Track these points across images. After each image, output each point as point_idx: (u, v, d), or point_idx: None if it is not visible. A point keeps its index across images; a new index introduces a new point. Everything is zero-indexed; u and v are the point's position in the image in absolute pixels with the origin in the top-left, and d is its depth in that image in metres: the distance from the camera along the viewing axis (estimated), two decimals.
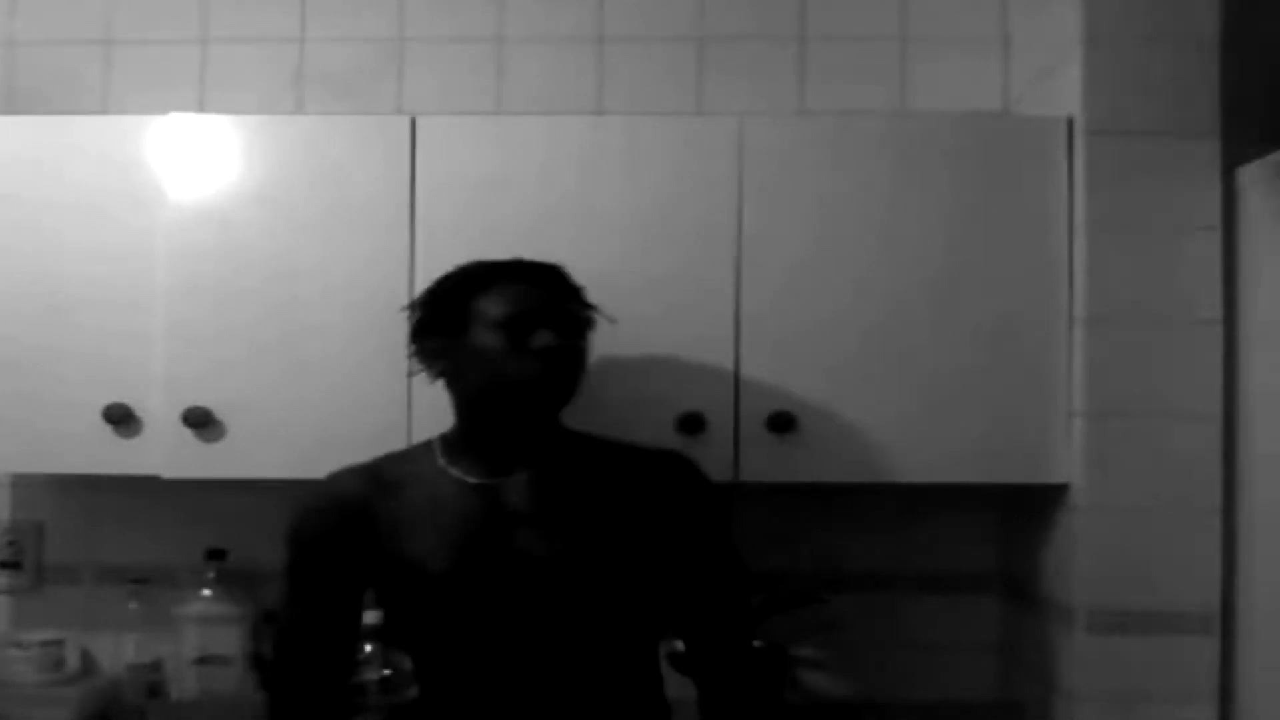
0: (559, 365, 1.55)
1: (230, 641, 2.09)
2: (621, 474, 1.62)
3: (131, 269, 1.91)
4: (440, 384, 1.64)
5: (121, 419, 1.90)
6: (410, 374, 1.69)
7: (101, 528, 2.25)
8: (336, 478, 1.63)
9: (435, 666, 1.61)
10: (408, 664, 1.99)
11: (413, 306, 1.67)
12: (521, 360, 1.53)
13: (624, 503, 1.60)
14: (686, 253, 1.90)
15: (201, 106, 2.26)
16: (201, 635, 2.09)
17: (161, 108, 2.01)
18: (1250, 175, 1.84)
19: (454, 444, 1.63)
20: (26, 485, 2.26)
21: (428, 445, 1.65)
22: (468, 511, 1.57)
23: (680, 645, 1.73)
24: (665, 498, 1.61)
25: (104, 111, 2.25)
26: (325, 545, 1.61)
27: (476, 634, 1.56)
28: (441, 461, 1.62)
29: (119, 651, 2.17)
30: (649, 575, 1.60)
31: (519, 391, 1.55)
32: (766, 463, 1.89)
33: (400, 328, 1.82)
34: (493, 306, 1.56)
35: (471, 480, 1.59)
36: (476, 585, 1.54)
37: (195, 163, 1.91)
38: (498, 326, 1.55)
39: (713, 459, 1.81)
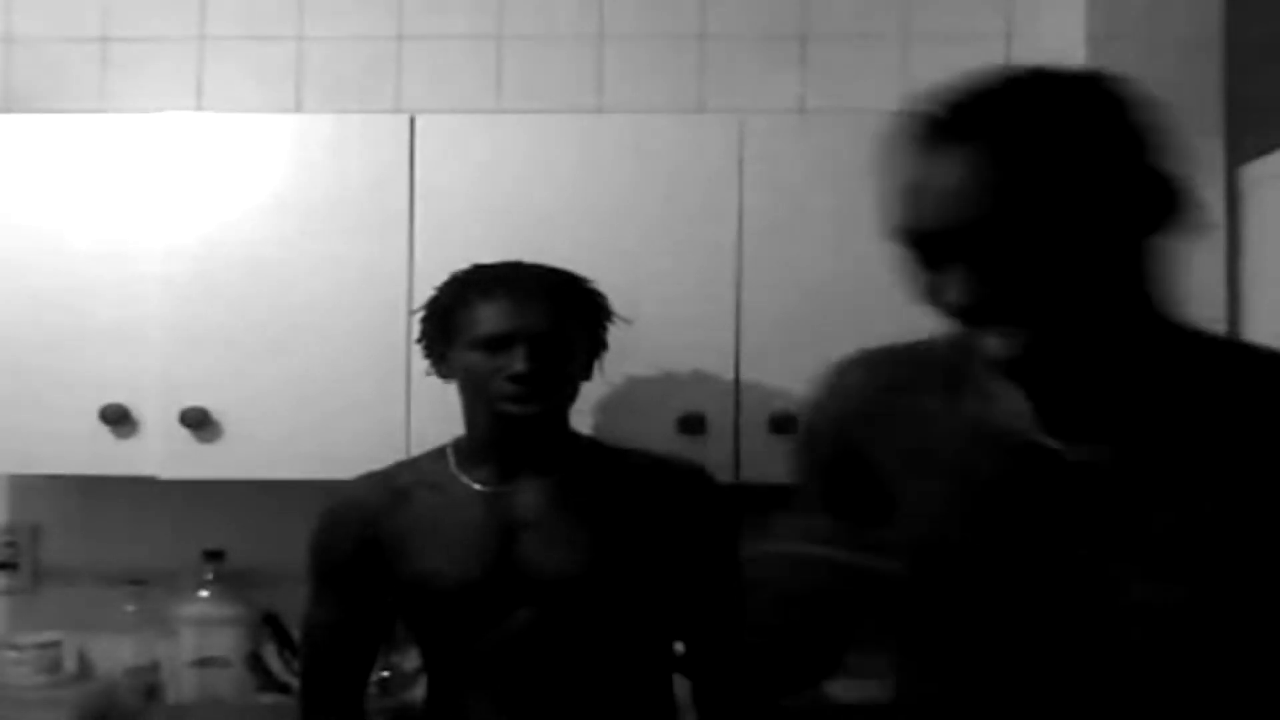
0: (535, 387, 1.53)
1: (228, 643, 2.08)
2: (633, 483, 1.60)
3: (129, 269, 1.90)
4: (445, 384, 1.64)
5: (118, 419, 1.89)
6: (427, 374, 1.68)
7: (99, 529, 2.24)
8: (351, 486, 1.64)
9: (445, 668, 1.62)
10: (408, 665, 1.99)
11: (420, 311, 1.67)
12: (497, 382, 1.53)
13: (633, 511, 1.58)
14: (686, 251, 1.89)
15: (199, 105, 2.25)
16: (199, 637, 2.08)
17: (159, 106, 2.00)
18: (1253, 174, 1.84)
19: (465, 450, 1.63)
20: (23, 486, 2.25)
21: (441, 451, 1.65)
22: (475, 518, 1.57)
23: (680, 647, 1.72)
24: (677, 510, 1.60)
25: (101, 110, 2.23)
26: (342, 554, 1.62)
27: (485, 637, 1.55)
28: (454, 468, 1.61)
29: (116, 653, 2.15)
30: (656, 583, 1.59)
31: (498, 412, 1.54)
32: (768, 463, 1.87)
33: (398, 327, 1.81)
34: (471, 324, 1.55)
35: (480, 487, 1.59)
36: (484, 591, 1.54)
37: (192, 161, 1.90)
38: (475, 345, 1.54)
39: (713, 459, 1.79)
